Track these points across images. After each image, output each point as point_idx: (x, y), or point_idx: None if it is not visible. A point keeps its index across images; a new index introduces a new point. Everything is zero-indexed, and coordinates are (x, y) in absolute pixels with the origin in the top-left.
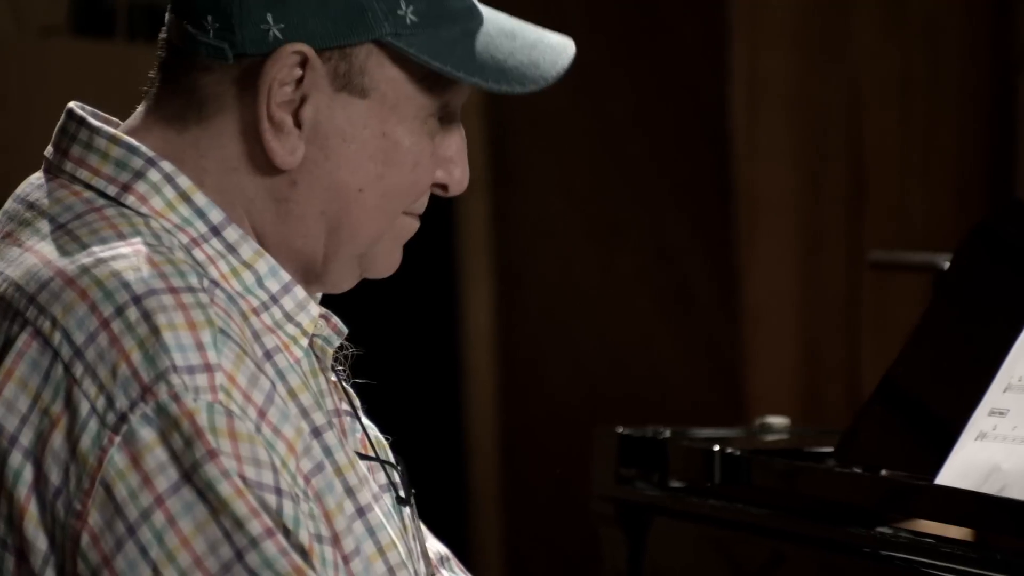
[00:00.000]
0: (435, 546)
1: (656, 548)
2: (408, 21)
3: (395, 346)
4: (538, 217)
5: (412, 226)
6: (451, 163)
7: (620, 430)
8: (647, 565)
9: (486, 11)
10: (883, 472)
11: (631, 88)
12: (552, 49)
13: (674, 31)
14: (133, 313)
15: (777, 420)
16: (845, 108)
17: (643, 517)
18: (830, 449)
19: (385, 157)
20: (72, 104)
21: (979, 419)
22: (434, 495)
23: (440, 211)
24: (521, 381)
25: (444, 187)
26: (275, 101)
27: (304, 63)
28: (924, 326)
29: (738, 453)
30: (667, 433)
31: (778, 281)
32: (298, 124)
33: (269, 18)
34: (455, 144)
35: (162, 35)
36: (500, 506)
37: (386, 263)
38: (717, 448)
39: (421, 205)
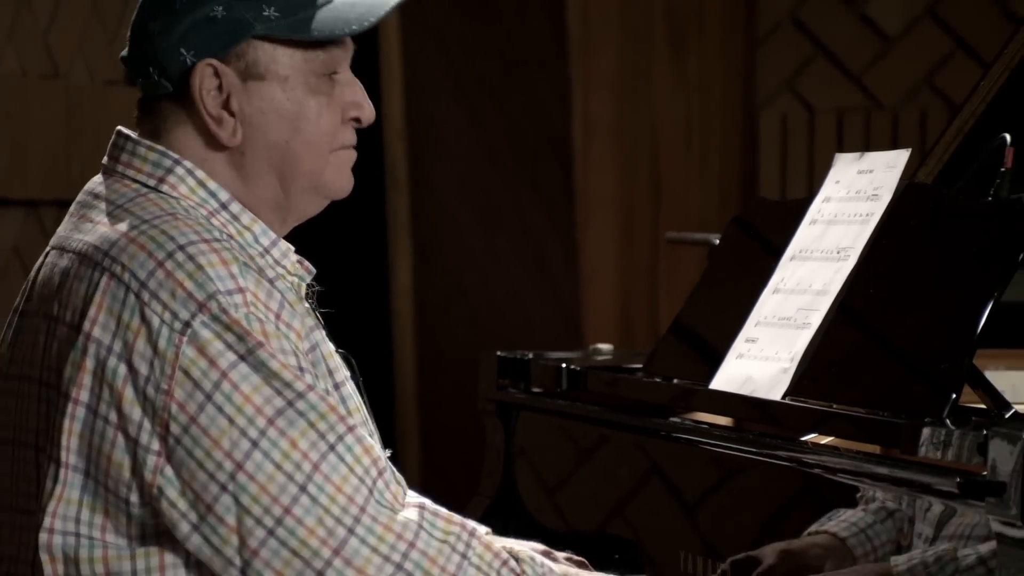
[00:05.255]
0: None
1: (522, 433)
2: (272, 17)
3: (343, 297)
4: (443, 209)
5: (350, 155)
6: (358, 105)
7: (498, 353)
8: (515, 444)
9: None
10: (675, 380)
11: (505, 121)
12: (384, 2)
13: (534, 83)
14: (180, 255)
15: (604, 346)
16: (648, 137)
17: (513, 412)
18: (640, 365)
19: (295, 115)
20: (120, 127)
21: (739, 344)
22: (369, 400)
23: (375, 204)
24: (431, 321)
25: (358, 120)
26: (208, 105)
27: (216, 72)
28: (702, 283)
29: (578, 368)
30: (530, 355)
31: (605, 253)
32: (231, 113)
33: (182, 50)
34: (356, 91)
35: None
36: (417, 407)
37: (340, 186)
38: (564, 365)
39: (350, 139)
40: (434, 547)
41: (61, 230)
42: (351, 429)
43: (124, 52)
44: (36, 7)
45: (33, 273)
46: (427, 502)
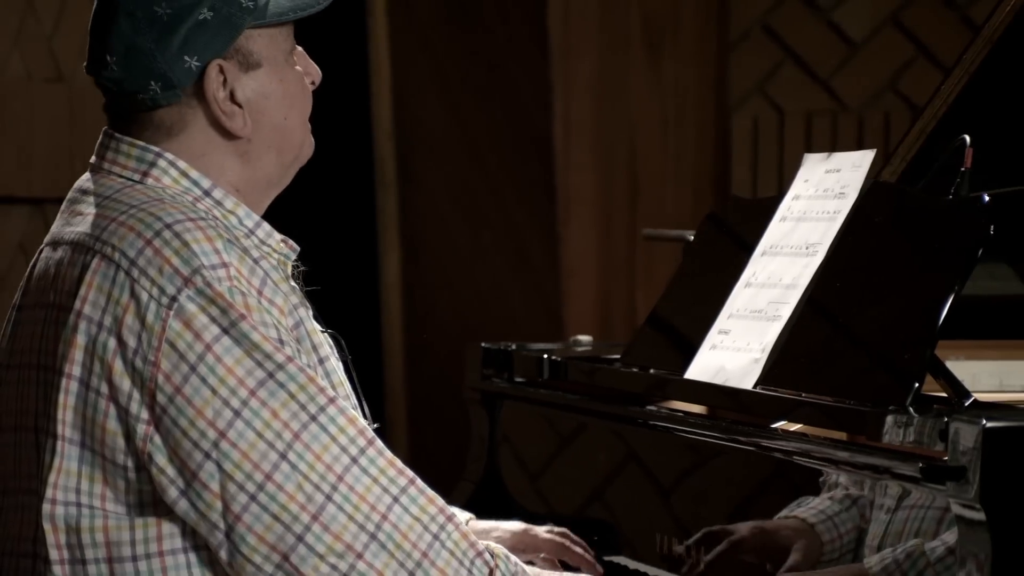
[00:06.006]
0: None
1: (506, 421)
2: (251, 7)
3: (335, 291)
4: (429, 206)
5: (308, 124)
6: (309, 69)
7: (483, 344)
8: (499, 431)
9: None
10: (651, 370)
11: (489, 122)
12: None
13: (516, 85)
14: (167, 234)
15: (584, 338)
16: (626, 138)
17: (497, 401)
18: (617, 356)
19: (287, 93)
20: (106, 128)
21: (712, 336)
22: (360, 389)
23: (365, 201)
24: (419, 313)
25: (313, 83)
26: (220, 102)
27: (221, 70)
28: (677, 277)
29: (559, 359)
30: (513, 346)
31: (584, 249)
32: (239, 105)
33: (186, 58)
34: (303, 57)
35: (105, 109)
36: (405, 396)
37: (309, 150)
38: (545, 356)
39: (311, 105)
40: (406, 522)
41: (54, 227)
42: (332, 400)
43: (105, 73)
44: (41, 14)
45: (29, 270)
46: (418, 479)
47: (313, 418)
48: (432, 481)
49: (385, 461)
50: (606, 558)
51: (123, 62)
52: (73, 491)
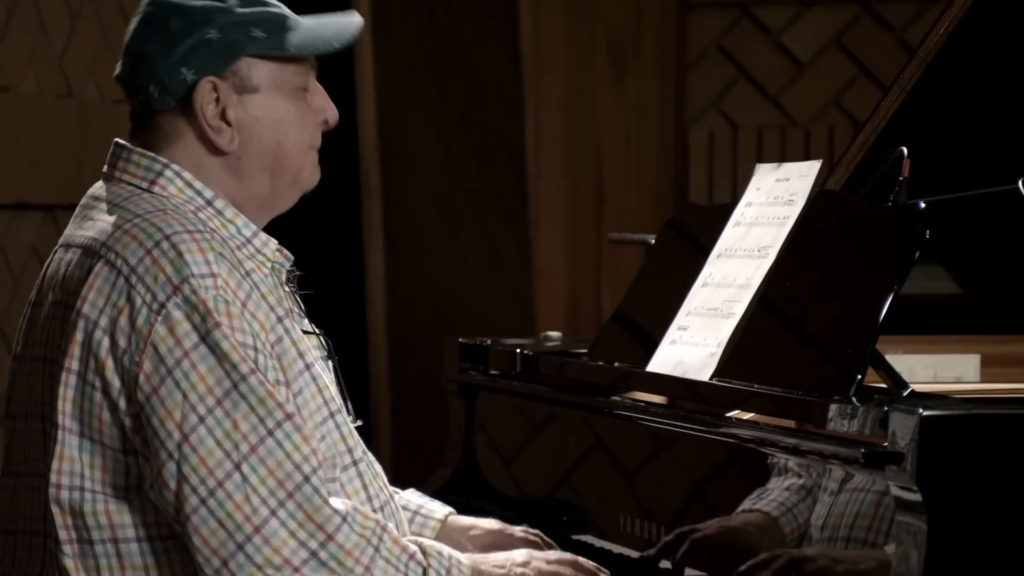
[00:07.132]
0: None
1: (481, 411)
2: (260, 37)
3: (323, 291)
4: (411, 212)
5: (316, 154)
6: (324, 109)
7: (460, 340)
8: (475, 421)
9: (303, 18)
10: (616, 363)
11: (466, 135)
12: (351, 24)
13: (491, 100)
14: (166, 244)
15: (554, 333)
16: (592, 149)
17: (473, 392)
18: (585, 350)
19: (284, 120)
20: (116, 139)
21: (672, 332)
22: (345, 382)
23: (351, 208)
24: (402, 311)
25: (326, 122)
26: (208, 116)
27: (215, 87)
28: (640, 277)
29: (530, 353)
30: (488, 341)
31: (555, 252)
32: (228, 123)
33: (183, 70)
34: (321, 97)
35: (130, 108)
36: (388, 388)
37: (314, 179)
38: (518, 350)
39: (319, 140)
40: (352, 541)
41: (67, 230)
42: (289, 417)
43: (119, 72)
44: (52, 34)
45: (44, 269)
46: (348, 501)
47: (270, 433)
48: (413, 466)
49: (325, 491)
50: (573, 537)
51: (131, 64)
52: (77, 476)
